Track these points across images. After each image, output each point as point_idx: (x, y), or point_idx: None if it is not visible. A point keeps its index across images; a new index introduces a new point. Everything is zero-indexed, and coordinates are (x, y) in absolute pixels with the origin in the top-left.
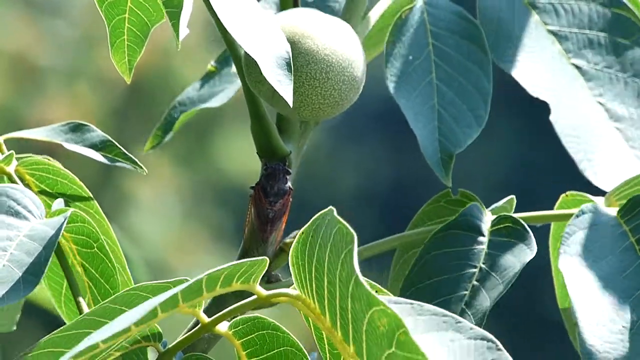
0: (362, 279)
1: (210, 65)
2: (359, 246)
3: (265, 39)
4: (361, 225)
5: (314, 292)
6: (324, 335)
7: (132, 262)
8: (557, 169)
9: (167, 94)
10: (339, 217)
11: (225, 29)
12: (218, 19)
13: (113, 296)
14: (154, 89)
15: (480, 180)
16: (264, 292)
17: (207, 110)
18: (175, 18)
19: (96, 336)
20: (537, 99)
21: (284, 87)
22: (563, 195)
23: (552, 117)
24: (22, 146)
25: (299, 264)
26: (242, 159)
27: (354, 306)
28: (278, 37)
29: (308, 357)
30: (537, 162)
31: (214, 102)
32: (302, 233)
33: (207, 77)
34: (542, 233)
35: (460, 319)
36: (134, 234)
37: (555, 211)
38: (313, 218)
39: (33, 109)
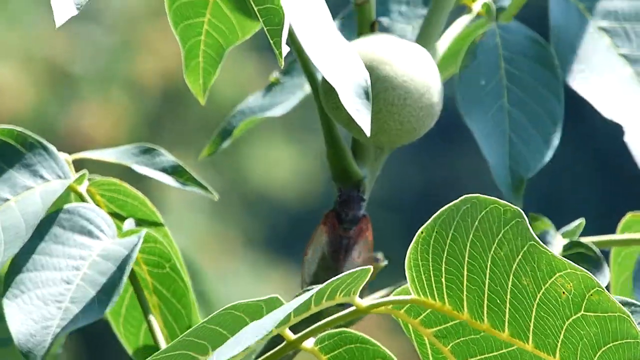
0: (543, 246)
1: (273, 76)
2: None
3: (344, 67)
4: (387, 234)
5: (444, 288)
6: (427, 342)
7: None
8: (582, 177)
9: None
10: (491, 198)
11: (301, 51)
12: (295, 41)
13: (208, 317)
14: (187, 94)
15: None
16: (363, 304)
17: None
18: (276, 36)
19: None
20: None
21: (362, 116)
22: (629, 214)
23: (626, 139)
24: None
25: (419, 265)
26: (268, 166)
27: (517, 283)
28: (357, 65)
29: None
30: (564, 169)
31: (276, 112)
32: (422, 232)
33: (269, 88)
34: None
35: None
36: None
37: (627, 235)
38: (434, 215)
39: (67, 114)
